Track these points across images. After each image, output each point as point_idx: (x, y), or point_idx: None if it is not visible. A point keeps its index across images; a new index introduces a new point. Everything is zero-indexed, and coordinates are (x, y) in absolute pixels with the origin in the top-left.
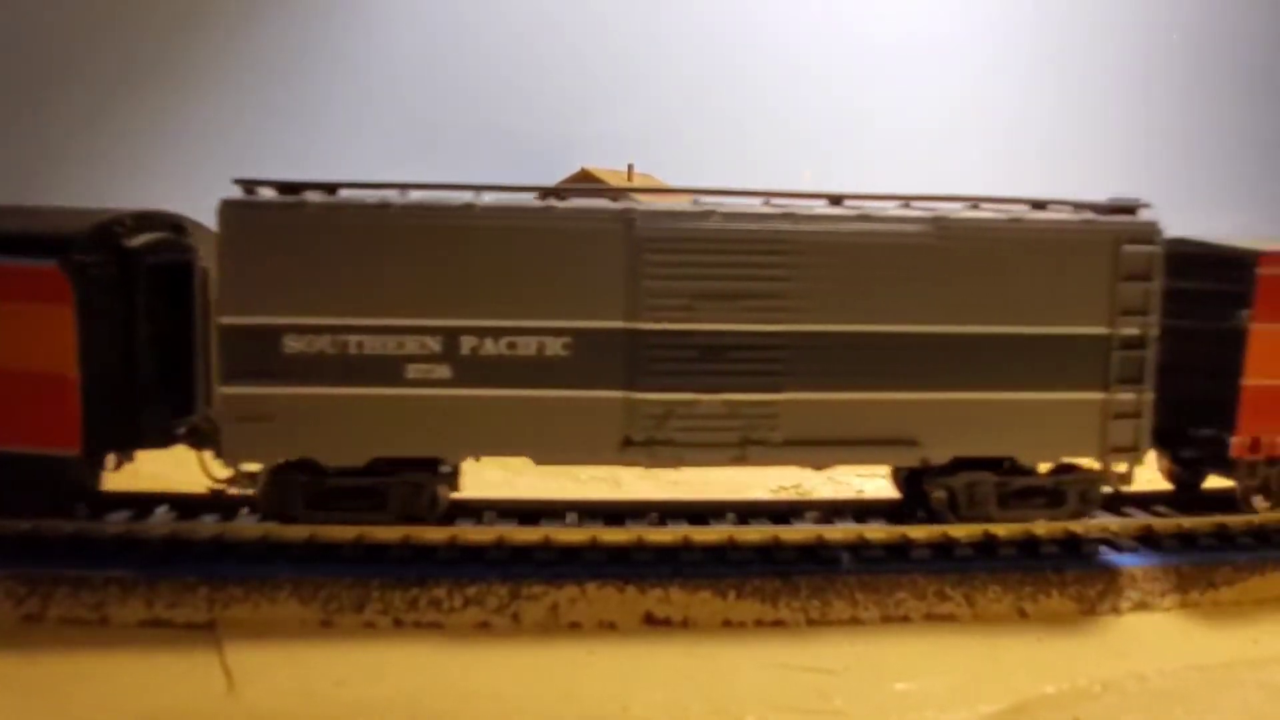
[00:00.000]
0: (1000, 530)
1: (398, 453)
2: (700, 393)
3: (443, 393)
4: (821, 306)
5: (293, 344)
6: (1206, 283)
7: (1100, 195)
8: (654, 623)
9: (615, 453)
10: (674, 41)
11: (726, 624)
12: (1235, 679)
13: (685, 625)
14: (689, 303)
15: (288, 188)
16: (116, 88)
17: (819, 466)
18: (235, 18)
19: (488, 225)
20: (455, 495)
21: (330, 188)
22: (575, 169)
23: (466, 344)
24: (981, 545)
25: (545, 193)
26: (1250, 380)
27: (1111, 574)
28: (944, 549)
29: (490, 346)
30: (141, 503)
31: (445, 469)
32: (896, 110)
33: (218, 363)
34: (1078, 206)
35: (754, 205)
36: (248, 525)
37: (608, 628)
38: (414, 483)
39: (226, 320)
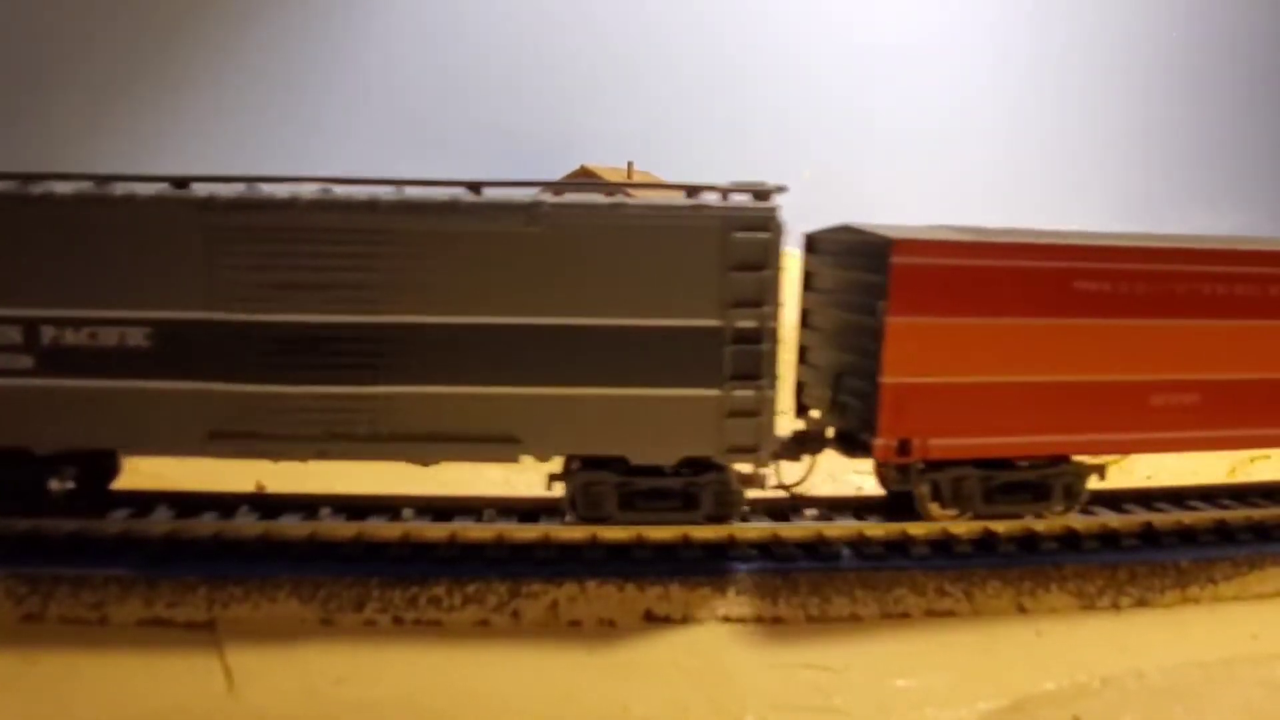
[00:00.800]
0: (1000, 527)
1: None
2: (283, 385)
3: (25, 383)
4: (409, 298)
5: None
6: (860, 274)
7: (1101, 194)
8: (654, 620)
9: (201, 445)
10: (674, 41)
11: (726, 621)
12: (1234, 675)
13: (685, 623)
14: (271, 293)
15: None
16: (115, 87)
17: (423, 462)
18: (234, 17)
19: (64, 215)
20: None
21: None
22: (575, 167)
23: (47, 334)
24: (981, 542)
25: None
26: (890, 378)
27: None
28: (943, 545)
29: (71, 337)
30: (141, 501)
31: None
32: (897, 109)
33: None
34: (726, 192)
35: (345, 195)
36: (247, 524)
37: (607, 625)
38: (12, 477)
39: None
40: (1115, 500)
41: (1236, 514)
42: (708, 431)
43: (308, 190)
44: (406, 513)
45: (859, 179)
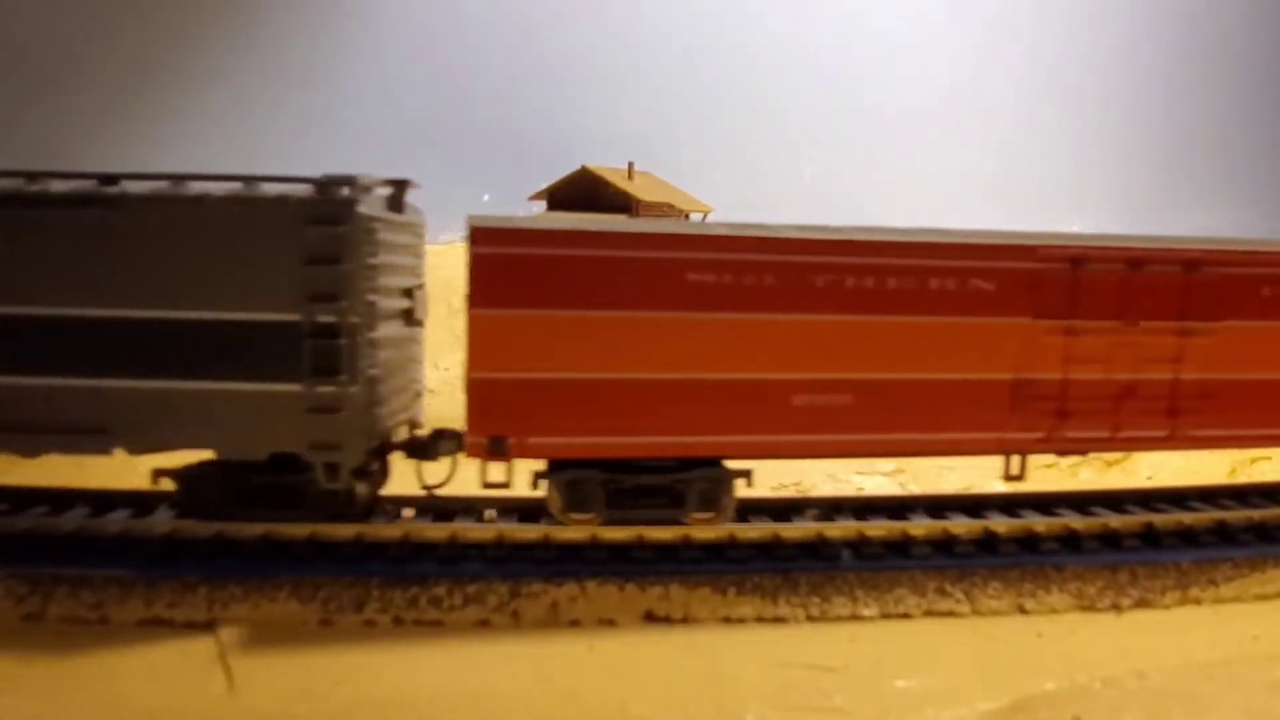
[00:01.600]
0: (1001, 527)
1: None
2: None
3: None
4: None
5: None
6: None
7: (1101, 194)
8: (654, 620)
9: None
10: (675, 41)
11: (726, 621)
12: (1236, 676)
13: (685, 623)
14: None
15: None
16: (119, 90)
17: (23, 455)
18: (235, 18)
19: None
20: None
21: None
22: (576, 167)
23: None
24: (981, 543)
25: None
26: (476, 373)
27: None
28: (944, 546)
29: None
30: (141, 501)
31: None
32: (898, 110)
33: None
34: (317, 184)
35: None
36: (247, 524)
37: (608, 625)
38: None
39: None
40: (1116, 501)
41: (1237, 515)
42: (292, 427)
43: None
44: (407, 513)
45: (859, 179)
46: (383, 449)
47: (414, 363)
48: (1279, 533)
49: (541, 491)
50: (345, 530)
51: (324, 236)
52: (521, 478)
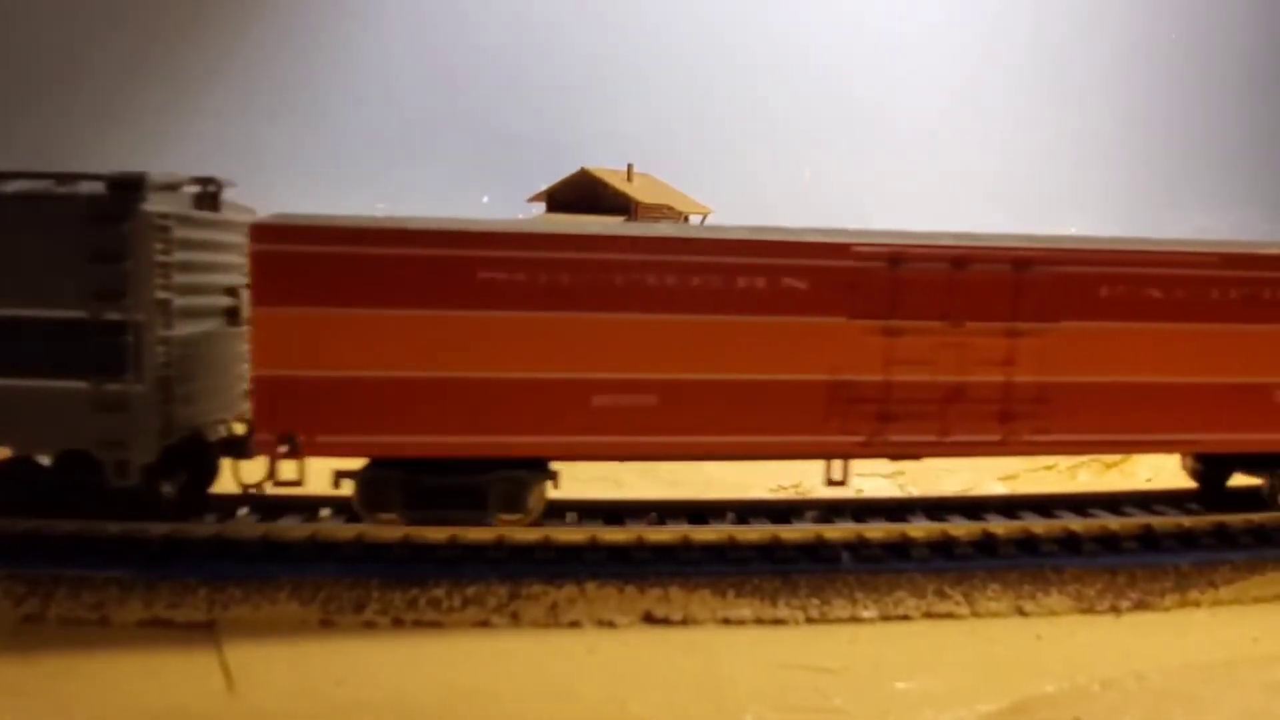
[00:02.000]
0: (1000, 529)
1: None
2: None
3: None
4: None
5: None
6: None
7: (1101, 194)
8: (653, 622)
9: None
10: (674, 42)
11: (726, 622)
12: (1235, 678)
13: (684, 624)
14: None
15: None
16: (121, 88)
17: None
18: (235, 19)
19: None
20: None
21: None
22: (575, 169)
23: None
24: (981, 545)
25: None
26: (261, 370)
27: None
28: (943, 548)
29: None
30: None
31: None
32: (898, 111)
33: None
34: (105, 181)
35: None
36: (247, 525)
37: (607, 627)
38: None
39: None
40: (1115, 503)
41: (1236, 517)
42: (80, 424)
43: None
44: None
45: (859, 179)
46: (201, 448)
47: (240, 361)
48: (1277, 535)
49: (346, 490)
50: (346, 531)
51: (108, 234)
52: (323, 476)
